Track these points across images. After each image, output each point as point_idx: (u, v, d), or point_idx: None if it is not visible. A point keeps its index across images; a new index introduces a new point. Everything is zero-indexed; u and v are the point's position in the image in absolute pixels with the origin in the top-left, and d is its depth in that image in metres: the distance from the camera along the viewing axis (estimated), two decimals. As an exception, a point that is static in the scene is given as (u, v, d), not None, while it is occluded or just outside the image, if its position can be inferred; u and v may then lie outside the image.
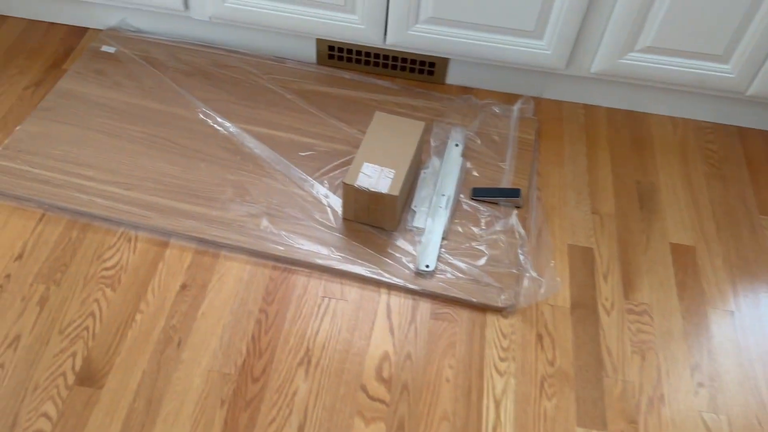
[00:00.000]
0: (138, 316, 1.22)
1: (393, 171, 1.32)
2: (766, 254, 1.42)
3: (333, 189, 1.43)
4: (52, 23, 1.80)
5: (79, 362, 1.15)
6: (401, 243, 1.35)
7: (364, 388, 1.16)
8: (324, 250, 1.32)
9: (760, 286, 1.37)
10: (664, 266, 1.38)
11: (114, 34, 1.74)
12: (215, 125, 1.53)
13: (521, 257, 1.35)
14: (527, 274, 1.33)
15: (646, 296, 1.33)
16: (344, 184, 1.30)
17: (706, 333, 1.29)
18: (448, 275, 1.31)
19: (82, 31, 1.79)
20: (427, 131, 1.57)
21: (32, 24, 1.79)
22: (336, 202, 1.41)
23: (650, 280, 1.36)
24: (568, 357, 1.23)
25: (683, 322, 1.30)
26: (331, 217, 1.39)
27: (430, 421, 1.13)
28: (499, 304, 1.28)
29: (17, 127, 1.50)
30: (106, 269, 1.28)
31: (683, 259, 1.40)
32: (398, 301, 1.29)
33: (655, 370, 1.23)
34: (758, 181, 1.56)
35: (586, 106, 1.71)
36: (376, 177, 1.30)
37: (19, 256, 1.29)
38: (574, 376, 1.21)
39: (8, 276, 1.26)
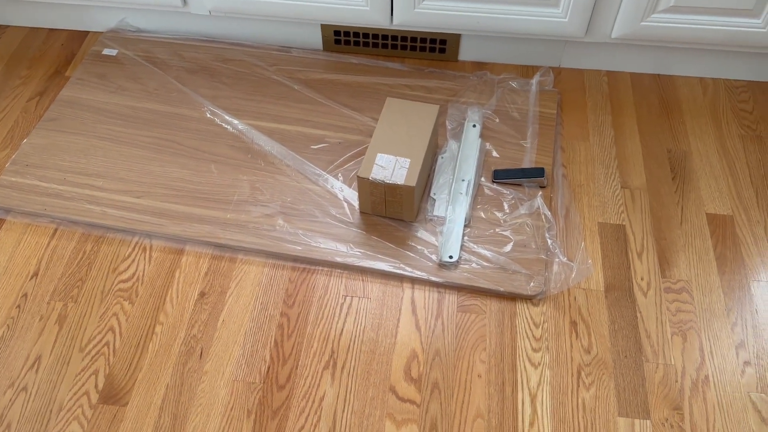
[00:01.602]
0: (158, 328, 1.19)
1: (408, 160, 1.26)
2: (811, 219, 1.34)
3: (348, 182, 1.38)
4: (52, 29, 1.76)
5: (101, 380, 1.13)
6: (422, 234, 1.30)
7: (393, 390, 1.12)
8: (343, 247, 1.28)
9: (806, 254, 1.29)
10: (702, 239, 1.31)
11: (114, 35, 1.70)
12: (223, 123, 1.49)
13: (549, 241, 1.29)
14: (556, 259, 1.27)
15: (684, 273, 1.26)
16: (359, 177, 1.25)
17: (750, 308, 1.22)
18: (473, 265, 1.26)
19: (83, 35, 1.75)
20: (442, 113, 1.50)
21: (32, 32, 1.76)
22: (352, 196, 1.36)
23: (687, 255, 1.29)
24: (604, 343, 1.18)
25: (725, 297, 1.23)
26: (347, 211, 1.34)
27: (464, 420, 1.09)
28: (529, 292, 1.22)
29: (24, 141, 1.47)
30: (123, 282, 1.25)
31: (721, 230, 1.32)
32: (423, 295, 1.24)
33: (698, 351, 1.17)
34: (798, 141, 1.47)
35: (609, 73, 1.62)
36: (392, 168, 1.25)
37: (35, 274, 1.27)
38: (612, 363, 1.15)
39: (25, 295, 1.24)
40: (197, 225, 1.31)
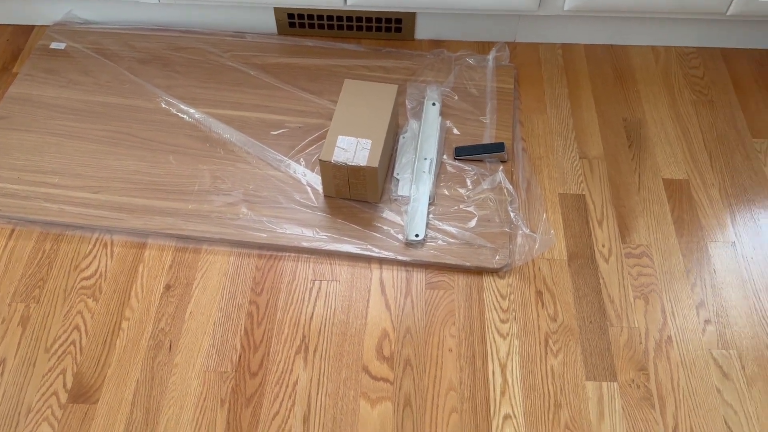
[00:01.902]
0: (124, 324, 1.17)
1: (370, 141, 1.26)
2: (763, 179, 1.38)
3: (311, 167, 1.37)
4: (-5, 24, 1.70)
5: (69, 379, 1.11)
6: (387, 214, 1.30)
7: (366, 369, 1.13)
8: (309, 232, 1.27)
9: (759, 212, 1.33)
10: (659, 204, 1.34)
11: (62, 28, 1.64)
12: (179, 113, 1.46)
13: (512, 214, 1.30)
14: (520, 231, 1.29)
15: (643, 238, 1.30)
16: (321, 161, 1.24)
17: (708, 268, 1.26)
18: (439, 242, 1.27)
19: (28, 29, 1.69)
20: (401, 93, 1.50)
21: (-26, 28, 1.69)
22: (315, 180, 1.35)
23: (646, 220, 1.32)
24: (570, 310, 1.20)
25: (684, 259, 1.27)
26: (312, 196, 1.33)
27: (437, 394, 1.11)
28: (494, 266, 1.24)
29: (-28, 141, 1.42)
30: (85, 279, 1.23)
31: (678, 194, 1.36)
32: (391, 275, 1.25)
33: (660, 312, 1.20)
34: (747, 104, 1.51)
35: (563, 46, 1.63)
36: (353, 150, 1.24)
37: (-7, 277, 1.23)
38: (578, 329, 1.18)
39: (-16, 299, 1.21)
40: (158, 217, 1.29)
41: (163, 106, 1.47)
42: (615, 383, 1.12)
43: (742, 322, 1.19)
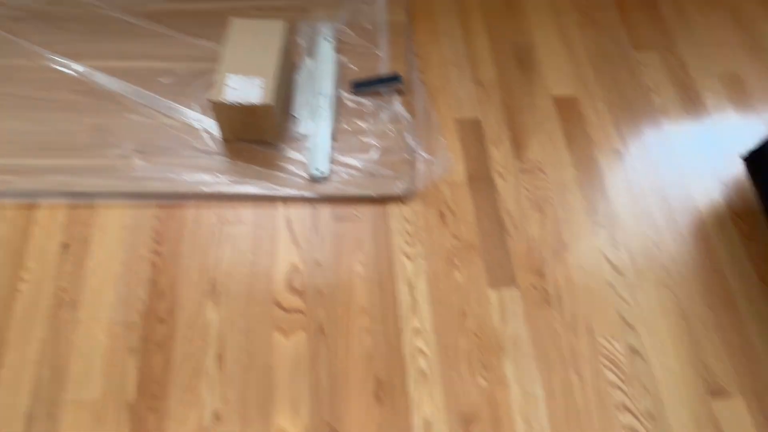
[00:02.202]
0: (22, 286, 1.13)
1: (262, 79, 1.24)
2: (645, 89, 1.46)
3: (204, 111, 1.34)
4: None
5: (-33, 348, 1.07)
6: (289, 153, 1.30)
7: (278, 303, 1.14)
8: (208, 177, 1.26)
9: (642, 121, 1.41)
10: (551, 121, 1.40)
11: None
12: (62, 68, 1.39)
13: (411, 142, 1.33)
14: (420, 158, 1.31)
15: (537, 154, 1.35)
16: (213, 103, 1.22)
17: (599, 177, 1.33)
18: (343, 175, 1.28)
19: None
20: (293, 32, 1.48)
21: None
22: (211, 125, 1.33)
23: (539, 138, 1.37)
24: (471, 228, 1.25)
25: (575, 171, 1.33)
26: (209, 141, 1.31)
27: (349, 318, 1.13)
28: (398, 192, 1.26)
29: None
30: (-25, 246, 1.18)
31: (567, 110, 1.42)
32: (297, 212, 1.25)
33: (554, 221, 1.26)
34: (629, 19, 1.58)
35: (453, -23, 1.65)
36: (245, 88, 1.22)
37: None
38: (479, 244, 1.23)
39: None
40: (48, 176, 1.24)
41: (45, 63, 1.40)
42: (515, 289, 1.17)
43: (631, 222, 1.27)
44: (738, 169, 1.34)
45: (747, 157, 1.27)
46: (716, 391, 1.09)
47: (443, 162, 1.32)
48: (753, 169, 1.25)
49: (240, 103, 1.21)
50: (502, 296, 1.17)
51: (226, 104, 1.22)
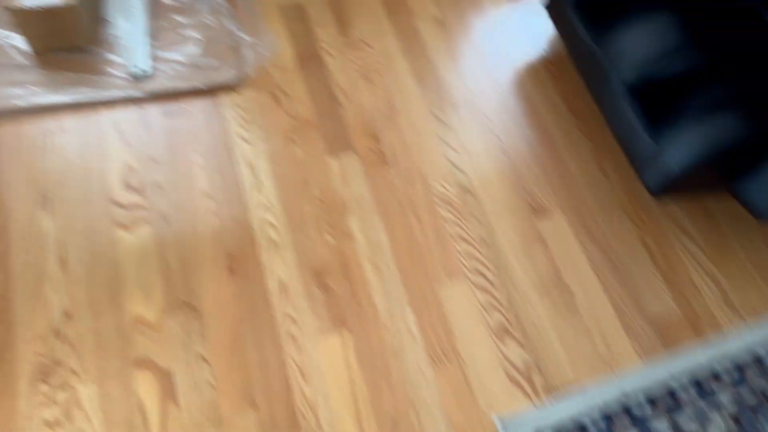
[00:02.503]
0: None
1: (60, -21, 1.18)
2: (457, -39, 1.52)
3: (9, 28, 1.26)
4: None
5: None
6: (106, 56, 1.25)
7: (115, 201, 1.13)
8: (20, 91, 1.19)
9: (455, -11, 1.48)
10: (371, -2, 1.44)
11: None
12: None
13: (235, 30, 1.32)
14: (245, 43, 1.31)
15: (362, 30, 1.39)
16: (11, 11, 1.14)
17: (421, 44, 1.39)
18: (168, 71, 1.26)
19: None
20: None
21: None
22: (19, 41, 1.25)
23: (361, 14, 1.41)
24: (305, 105, 1.27)
25: (398, 41, 1.38)
26: (18, 57, 1.23)
27: (193, 204, 1.14)
28: (227, 81, 1.26)
29: None
30: None
31: (386, -14, 1.46)
32: (125, 114, 1.22)
33: (384, 89, 1.32)
34: None
35: None
36: (41, -11, 1.16)
37: None
38: (315, 119, 1.26)
39: None
40: None
41: None
42: (353, 154, 1.23)
43: (454, 81, 1.35)
44: (548, 23, 1.45)
45: (548, 5, 1.37)
46: (539, 211, 1.21)
47: (270, 47, 1.32)
48: (555, 15, 1.36)
49: (41, 7, 1.15)
50: (342, 162, 1.22)
51: (26, 10, 1.15)
